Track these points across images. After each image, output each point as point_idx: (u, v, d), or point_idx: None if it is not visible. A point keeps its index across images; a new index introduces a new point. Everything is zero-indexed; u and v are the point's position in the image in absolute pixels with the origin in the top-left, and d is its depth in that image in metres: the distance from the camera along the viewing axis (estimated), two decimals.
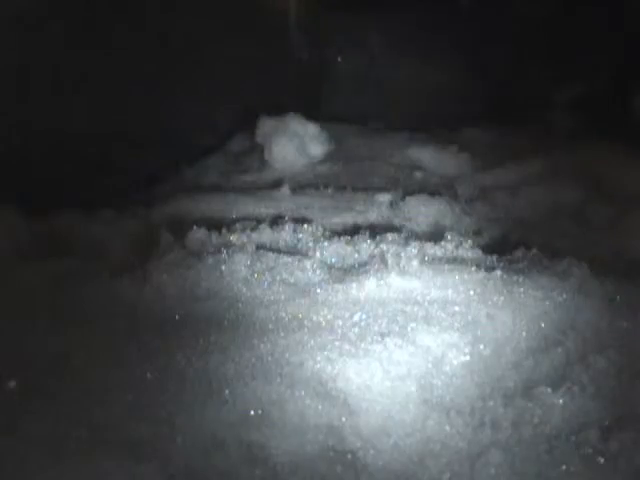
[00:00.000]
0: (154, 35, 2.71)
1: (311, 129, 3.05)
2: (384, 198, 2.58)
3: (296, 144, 2.99)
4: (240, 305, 1.71)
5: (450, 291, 1.80)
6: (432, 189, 2.74)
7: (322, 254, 1.96)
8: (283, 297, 1.72)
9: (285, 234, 2.08)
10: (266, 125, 3.06)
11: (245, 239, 2.00)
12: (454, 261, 1.94)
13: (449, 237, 2.07)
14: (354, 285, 1.75)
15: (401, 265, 1.82)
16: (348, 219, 2.39)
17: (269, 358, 1.51)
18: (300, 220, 2.23)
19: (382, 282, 1.76)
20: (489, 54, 3.65)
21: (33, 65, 2.29)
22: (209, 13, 2.97)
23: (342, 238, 2.03)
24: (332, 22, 3.68)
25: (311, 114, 3.10)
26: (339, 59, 3.74)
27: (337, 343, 1.57)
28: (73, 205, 2.23)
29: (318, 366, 1.48)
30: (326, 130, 3.09)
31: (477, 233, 2.44)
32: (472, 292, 1.79)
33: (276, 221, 2.18)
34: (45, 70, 2.33)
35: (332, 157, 3.06)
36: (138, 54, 2.63)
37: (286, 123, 3.04)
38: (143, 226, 2.19)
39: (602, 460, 1.22)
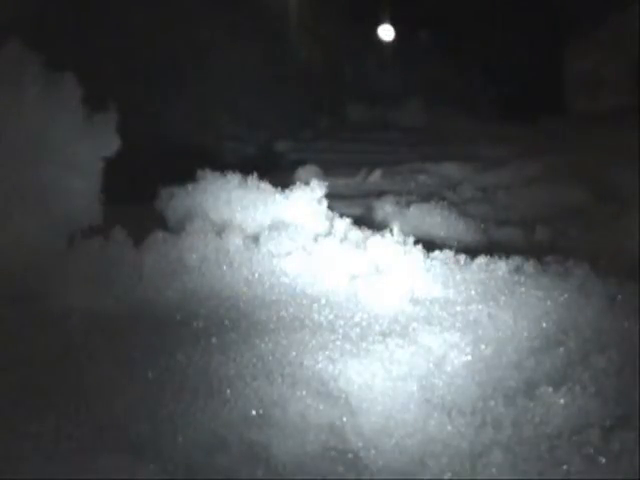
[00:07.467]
0: None
1: None
2: None
3: None
4: None
5: (451, 291, 1.80)
6: None
7: None
8: None
9: None
10: None
11: None
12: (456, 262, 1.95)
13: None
14: None
15: None
16: None
17: (270, 357, 1.51)
18: None
19: None
20: None
21: None
22: None
23: None
24: None
25: None
26: None
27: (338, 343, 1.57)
28: None
29: (319, 365, 1.48)
30: None
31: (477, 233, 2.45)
32: (473, 292, 1.79)
33: None
34: None
35: None
36: None
37: None
38: None
39: (603, 460, 1.21)
